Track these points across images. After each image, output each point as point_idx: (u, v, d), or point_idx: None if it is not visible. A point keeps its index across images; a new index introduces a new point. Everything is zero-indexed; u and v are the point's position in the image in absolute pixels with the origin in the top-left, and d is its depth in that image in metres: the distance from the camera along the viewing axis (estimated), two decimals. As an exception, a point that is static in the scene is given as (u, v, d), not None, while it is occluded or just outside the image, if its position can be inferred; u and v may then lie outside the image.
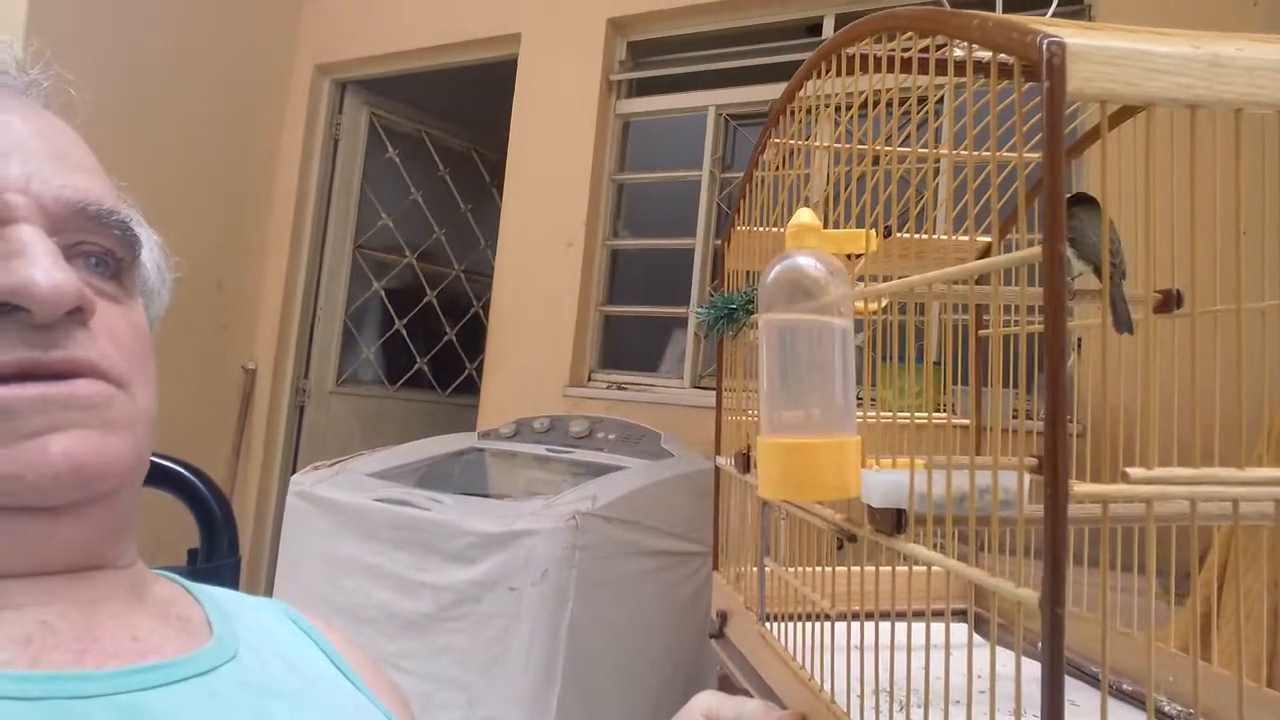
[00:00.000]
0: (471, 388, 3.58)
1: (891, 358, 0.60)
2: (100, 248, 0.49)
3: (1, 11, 2.55)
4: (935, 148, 0.72)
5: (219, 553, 0.78)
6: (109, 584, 0.49)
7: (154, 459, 0.53)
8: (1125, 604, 0.69)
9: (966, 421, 0.74)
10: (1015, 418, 0.41)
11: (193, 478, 0.79)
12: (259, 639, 0.54)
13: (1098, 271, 0.57)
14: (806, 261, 0.51)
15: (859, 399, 0.63)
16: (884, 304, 0.63)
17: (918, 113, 0.61)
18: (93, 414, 0.45)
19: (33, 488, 0.43)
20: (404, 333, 3.75)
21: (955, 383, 1.05)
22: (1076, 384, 1.68)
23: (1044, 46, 0.35)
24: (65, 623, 0.45)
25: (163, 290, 0.60)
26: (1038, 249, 0.35)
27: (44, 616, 0.44)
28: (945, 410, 0.71)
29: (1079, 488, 0.32)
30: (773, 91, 2.59)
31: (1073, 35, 0.36)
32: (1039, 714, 0.32)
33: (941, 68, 0.59)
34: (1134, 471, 0.33)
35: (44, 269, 0.43)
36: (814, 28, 2.63)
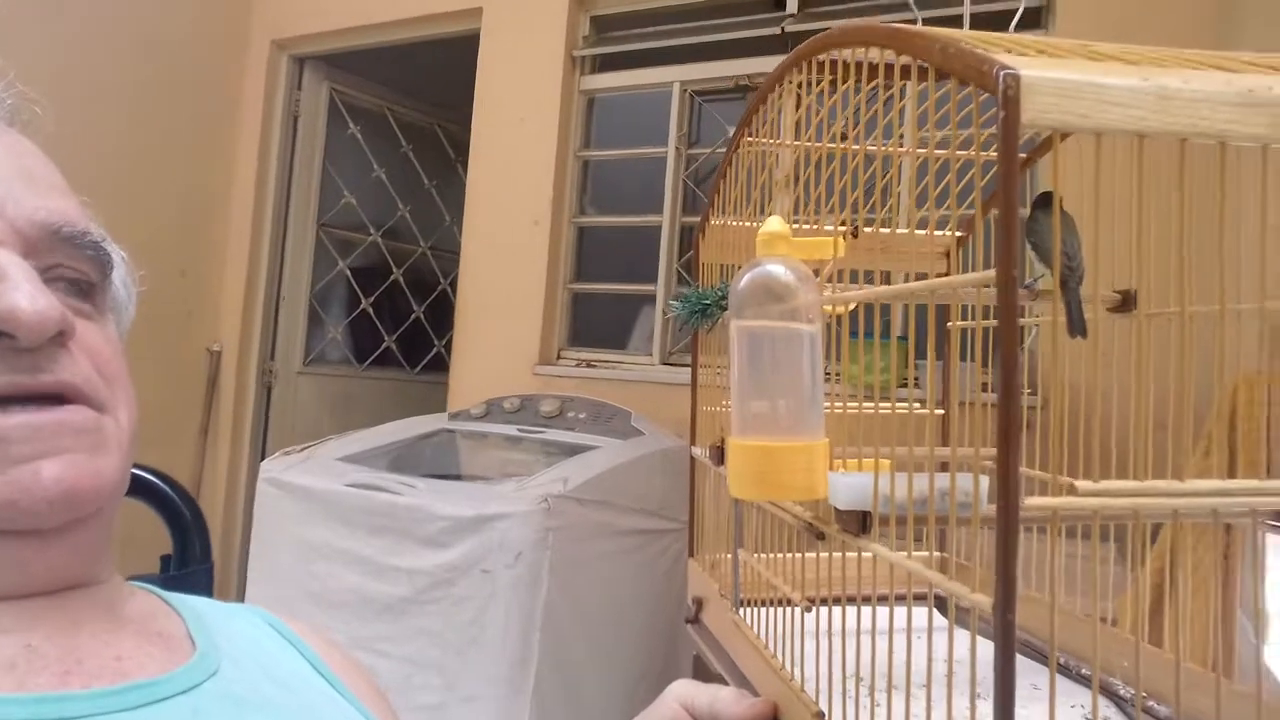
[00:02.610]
0: (441, 365, 3.57)
1: (858, 334, 0.62)
2: (77, 272, 0.50)
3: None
4: (899, 146, 0.73)
5: (192, 559, 0.79)
6: (90, 602, 0.49)
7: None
8: (1084, 571, 0.70)
9: (926, 411, 0.76)
10: (985, 391, 0.42)
11: (165, 486, 0.79)
12: (239, 649, 0.55)
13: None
14: (776, 269, 0.53)
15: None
16: (851, 308, 0.65)
17: (884, 117, 0.62)
18: (82, 439, 0.46)
19: (27, 512, 0.44)
20: (371, 311, 3.72)
21: (920, 358, 1.08)
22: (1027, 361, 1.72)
23: (1000, 78, 0.37)
24: (50, 645, 0.45)
25: (129, 305, 0.60)
26: (992, 272, 0.36)
27: (30, 640, 0.45)
28: (911, 392, 0.73)
29: (1030, 500, 0.34)
30: (737, 67, 2.59)
31: (1028, 66, 0.37)
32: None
33: (906, 72, 0.60)
34: (1081, 484, 0.35)
35: (27, 295, 0.44)
36: (778, 2, 2.63)
